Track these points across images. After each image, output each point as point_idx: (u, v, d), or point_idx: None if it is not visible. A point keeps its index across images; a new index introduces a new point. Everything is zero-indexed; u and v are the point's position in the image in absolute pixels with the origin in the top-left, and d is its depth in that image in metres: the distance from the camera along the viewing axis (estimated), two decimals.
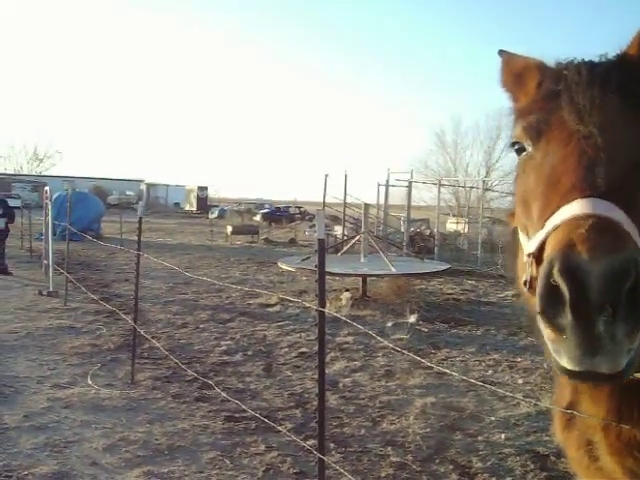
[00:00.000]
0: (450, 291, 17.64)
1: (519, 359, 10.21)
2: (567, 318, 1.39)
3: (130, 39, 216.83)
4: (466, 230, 32.68)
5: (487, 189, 33.03)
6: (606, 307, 1.35)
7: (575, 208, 1.52)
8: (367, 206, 17.44)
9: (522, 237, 1.89)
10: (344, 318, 6.17)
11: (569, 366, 1.45)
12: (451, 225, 36.04)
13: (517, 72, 2.10)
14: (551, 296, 1.43)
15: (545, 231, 1.58)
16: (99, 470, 5.72)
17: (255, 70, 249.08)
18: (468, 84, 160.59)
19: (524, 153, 1.92)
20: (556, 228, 1.53)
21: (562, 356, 1.45)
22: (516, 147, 1.95)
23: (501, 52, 2.21)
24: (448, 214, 38.52)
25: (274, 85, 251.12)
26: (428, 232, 32.45)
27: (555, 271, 1.41)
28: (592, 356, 1.40)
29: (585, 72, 1.83)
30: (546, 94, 1.91)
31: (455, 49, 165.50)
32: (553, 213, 1.58)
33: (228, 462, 6.01)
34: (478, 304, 15.68)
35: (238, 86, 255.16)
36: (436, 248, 26.12)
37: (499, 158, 56.58)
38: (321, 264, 4.02)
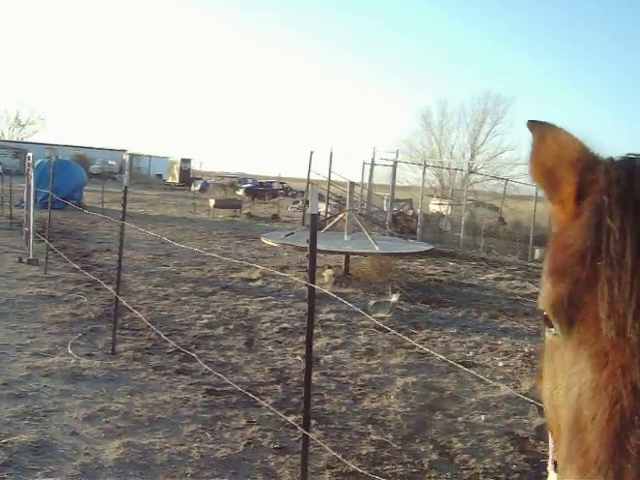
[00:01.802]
0: (432, 272, 17.67)
1: (500, 342, 10.25)
2: None
3: (116, 6, 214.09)
4: (449, 212, 32.79)
5: (472, 172, 33.14)
6: None
7: None
8: (353, 184, 17.39)
9: (550, 435, 1.41)
10: (333, 295, 6.15)
11: None
12: (434, 206, 36.13)
13: (549, 166, 1.39)
14: None
15: None
16: (79, 440, 5.68)
17: (241, 43, 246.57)
18: (457, 66, 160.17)
19: (553, 330, 1.29)
20: None
21: None
22: (544, 313, 1.31)
23: (532, 124, 1.49)
24: (432, 195, 38.58)
25: (260, 59, 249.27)
26: (411, 212, 32.52)
27: None
28: None
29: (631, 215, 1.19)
30: (586, 242, 1.23)
31: (444, 29, 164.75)
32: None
33: (209, 435, 6.00)
34: (459, 286, 15.72)
35: (223, 59, 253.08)
36: (419, 229, 26.15)
37: (484, 142, 56.83)
38: (313, 239, 3.97)
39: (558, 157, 1.34)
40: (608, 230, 1.20)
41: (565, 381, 1.21)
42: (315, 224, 4.00)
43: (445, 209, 33.80)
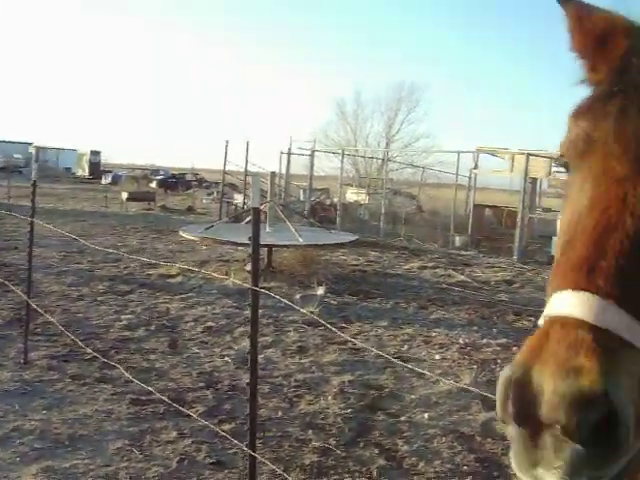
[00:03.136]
0: (355, 262, 17.40)
1: (434, 333, 9.99)
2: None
3: None
4: (366, 201, 32.70)
5: (389, 160, 33.08)
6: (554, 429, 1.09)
7: (562, 303, 1.18)
8: (274, 175, 16.92)
9: None
10: (281, 296, 5.68)
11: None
12: (351, 195, 35.96)
13: (599, 34, 1.49)
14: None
15: (546, 311, 1.23)
16: None
17: (150, 31, 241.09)
18: (371, 54, 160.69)
19: (569, 172, 1.46)
20: (545, 320, 1.21)
21: None
22: (564, 161, 1.48)
23: (564, 1, 1.56)
24: (350, 184, 38.39)
25: (169, 47, 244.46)
26: (328, 202, 32.28)
27: (509, 391, 1.14)
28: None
29: None
30: (611, 86, 1.40)
31: (361, 17, 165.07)
32: (554, 290, 1.23)
33: (137, 452, 5.45)
34: (385, 276, 15.47)
35: (131, 48, 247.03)
36: (338, 218, 25.89)
37: (399, 130, 57.31)
38: (255, 237, 3.51)
39: (611, 25, 1.47)
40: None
41: (571, 207, 1.36)
42: (258, 218, 3.55)
43: (362, 198, 33.66)
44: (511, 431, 1.17)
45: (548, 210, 29.00)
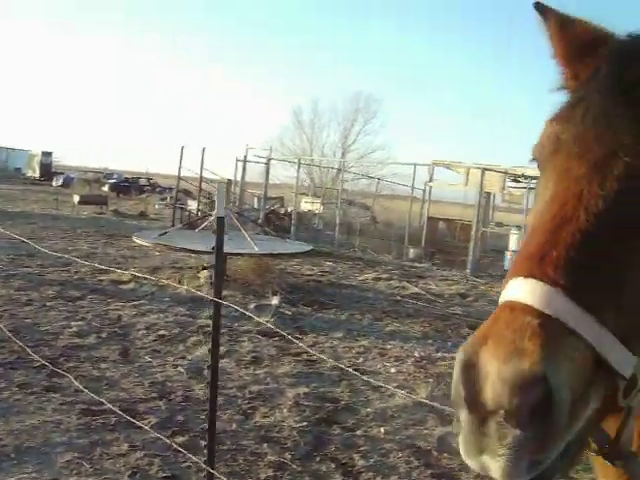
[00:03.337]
0: (310, 272, 17.28)
1: (389, 346, 9.95)
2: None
3: None
4: (320, 210, 32.70)
5: (345, 170, 33.14)
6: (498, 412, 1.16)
7: (514, 288, 1.28)
8: (230, 182, 16.77)
9: None
10: (239, 307, 5.55)
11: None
12: (306, 205, 35.91)
13: (583, 44, 1.58)
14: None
15: (501, 296, 1.33)
16: None
17: (106, 35, 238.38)
18: (329, 65, 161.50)
19: (540, 172, 1.58)
20: (499, 305, 1.31)
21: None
22: (537, 164, 1.59)
23: (540, 6, 1.66)
24: (305, 193, 38.33)
25: (126, 49, 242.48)
26: (283, 211, 32.20)
27: (459, 373, 1.22)
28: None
29: (615, 68, 1.45)
30: (579, 95, 1.52)
31: (318, 26, 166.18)
32: (510, 277, 1.33)
33: (87, 465, 5.27)
34: (339, 287, 15.39)
35: (82, 48, 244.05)
36: (293, 227, 25.79)
37: (355, 141, 57.56)
38: (219, 248, 3.39)
39: (594, 34, 1.57)
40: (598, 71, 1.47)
41: (537, 204, 1.48)
42: (222, 229, 3.43)
43: (317, 207, 33.65)
44: (462, 415, 1.22)
45: (500, 224, 29.35)
